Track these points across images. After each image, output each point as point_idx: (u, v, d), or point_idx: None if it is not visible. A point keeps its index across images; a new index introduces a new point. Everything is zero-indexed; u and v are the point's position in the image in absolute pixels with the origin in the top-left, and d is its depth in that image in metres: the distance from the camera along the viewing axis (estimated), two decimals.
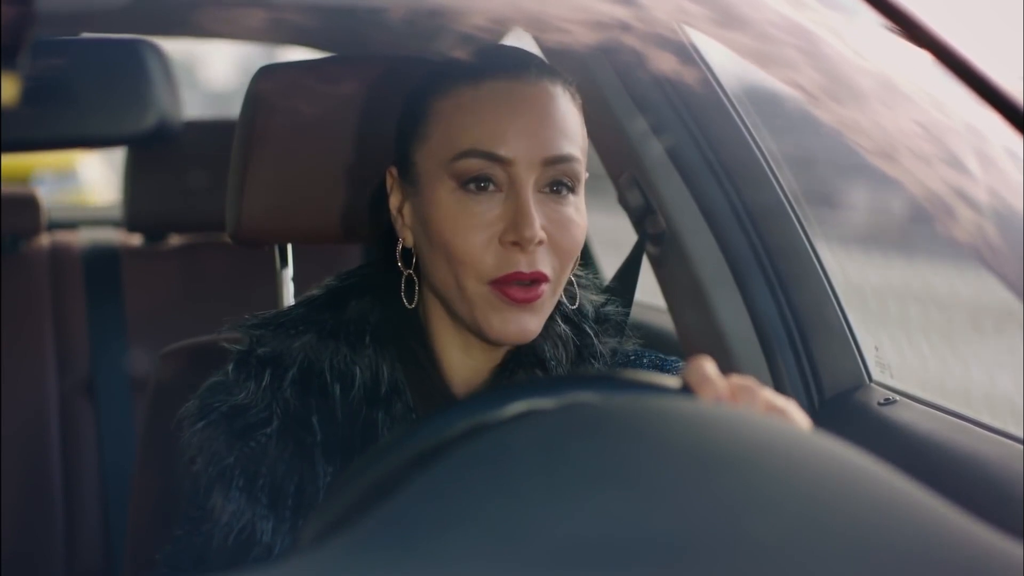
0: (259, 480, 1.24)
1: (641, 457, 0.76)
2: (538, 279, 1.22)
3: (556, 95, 1.26)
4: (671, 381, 0.94)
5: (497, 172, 1.23)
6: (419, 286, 1.31)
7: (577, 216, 1.25)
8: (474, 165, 1.23)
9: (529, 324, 1.24)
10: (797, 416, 0.97)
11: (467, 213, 1.23)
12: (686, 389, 0.93)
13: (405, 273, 1.30)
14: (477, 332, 1.25)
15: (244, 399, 1.27)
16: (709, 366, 0.94)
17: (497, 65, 1.27)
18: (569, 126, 1.26)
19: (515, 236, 1.21)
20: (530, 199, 1.22)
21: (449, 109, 1.25)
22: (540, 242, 1.22)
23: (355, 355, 1.28)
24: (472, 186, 1.23)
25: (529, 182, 1.23)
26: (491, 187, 1.23)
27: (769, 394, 0.97)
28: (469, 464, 0.77)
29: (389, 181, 1.32)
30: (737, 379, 0.96)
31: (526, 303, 1.22)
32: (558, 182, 1.24)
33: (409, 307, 1.29)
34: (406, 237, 1.30)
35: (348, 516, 0.79)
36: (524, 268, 1.22)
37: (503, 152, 1.22)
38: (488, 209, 1.23)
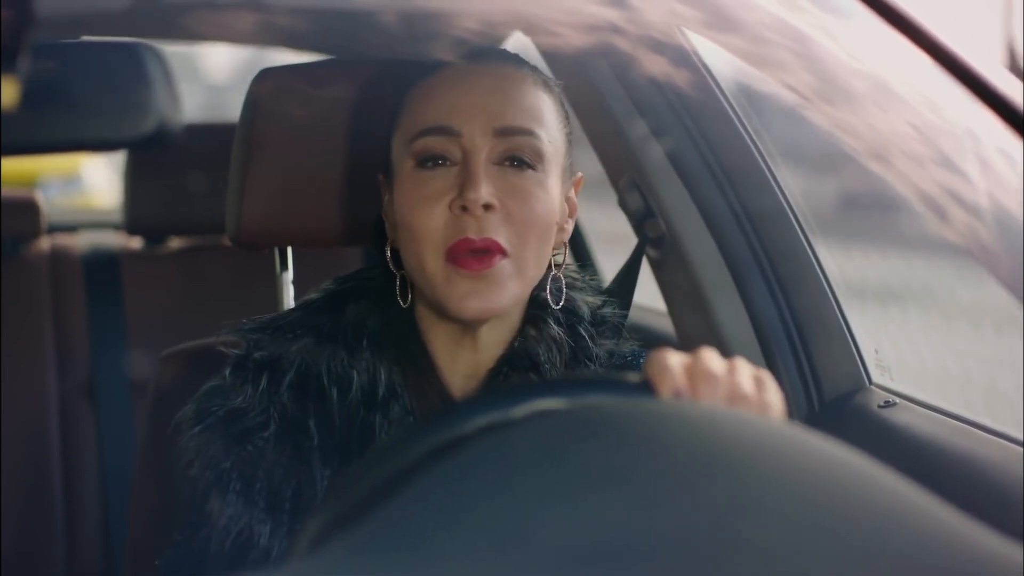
0: (256, 484, 1.24)
1: (640, 460, 0.76)
2: (490, 248, 1.21)
3: (518, 78, 1.27)
4: (631, 376, 0.93)
5: (451, 148, 1.23)
6: (412, 287, 1.31)
7: (538, 190, 1.24)
8: (429, 143, 1.24)
9: (487, 298, 1.22)
10: (771, 390, 0.95)
11: (422, 188, 1.23)
12: (646, 383, 0.92)
13: (398, 274, 1.30)
14: (443, 311, 1.25)
15: (241, 403, 1.27)
16: (671, 357, 0.93)
17: (464, 56, 1.29)
18: (530, 104, 1.26)
19: (461, 200, 1.21)
20: (480, 166, 1.22)
21: (414, 98, 1.28)
22: (488, 206, 1.21)
23: (352, 359, 1.28)
24: (429, 163, 1.24)
25: (481, 152, 1.23)
26: (447, 163, 1.24)
27: (735, 381, 0.94)
28: (468, 466, 0.77)
29: (381, 186, 1.33)
30: (700, 367, 0.94)
31: (479, 271, 1.21)
32: (515, 156, 1.24)
33: (404, 307, 1.30)
34: (394, 237, 1.30)
35: (346, 519, 0.79)
36: (473, 234, 1.21)
37: (453, 123, 1.23)
38: (442, 182, 1.23)
